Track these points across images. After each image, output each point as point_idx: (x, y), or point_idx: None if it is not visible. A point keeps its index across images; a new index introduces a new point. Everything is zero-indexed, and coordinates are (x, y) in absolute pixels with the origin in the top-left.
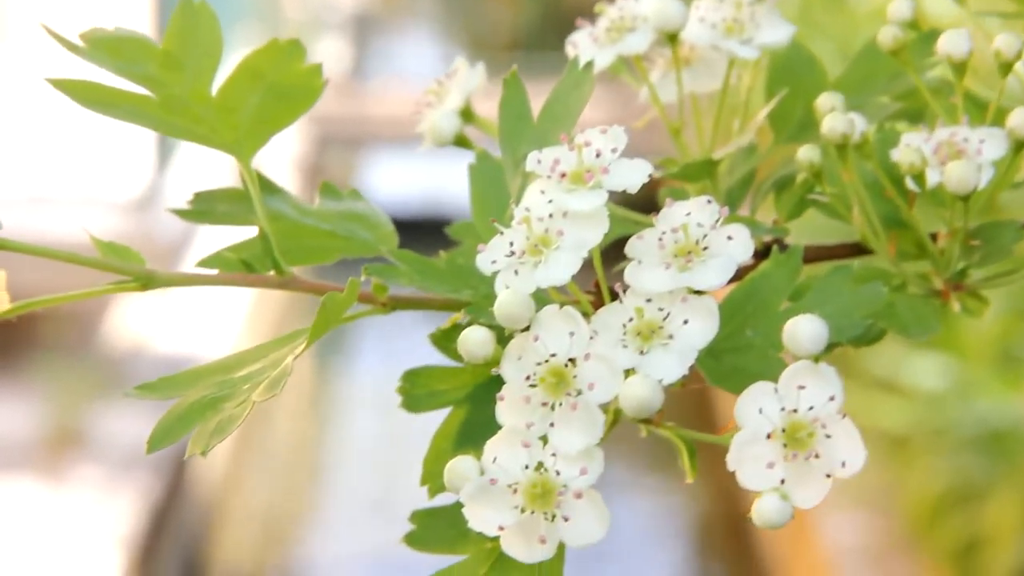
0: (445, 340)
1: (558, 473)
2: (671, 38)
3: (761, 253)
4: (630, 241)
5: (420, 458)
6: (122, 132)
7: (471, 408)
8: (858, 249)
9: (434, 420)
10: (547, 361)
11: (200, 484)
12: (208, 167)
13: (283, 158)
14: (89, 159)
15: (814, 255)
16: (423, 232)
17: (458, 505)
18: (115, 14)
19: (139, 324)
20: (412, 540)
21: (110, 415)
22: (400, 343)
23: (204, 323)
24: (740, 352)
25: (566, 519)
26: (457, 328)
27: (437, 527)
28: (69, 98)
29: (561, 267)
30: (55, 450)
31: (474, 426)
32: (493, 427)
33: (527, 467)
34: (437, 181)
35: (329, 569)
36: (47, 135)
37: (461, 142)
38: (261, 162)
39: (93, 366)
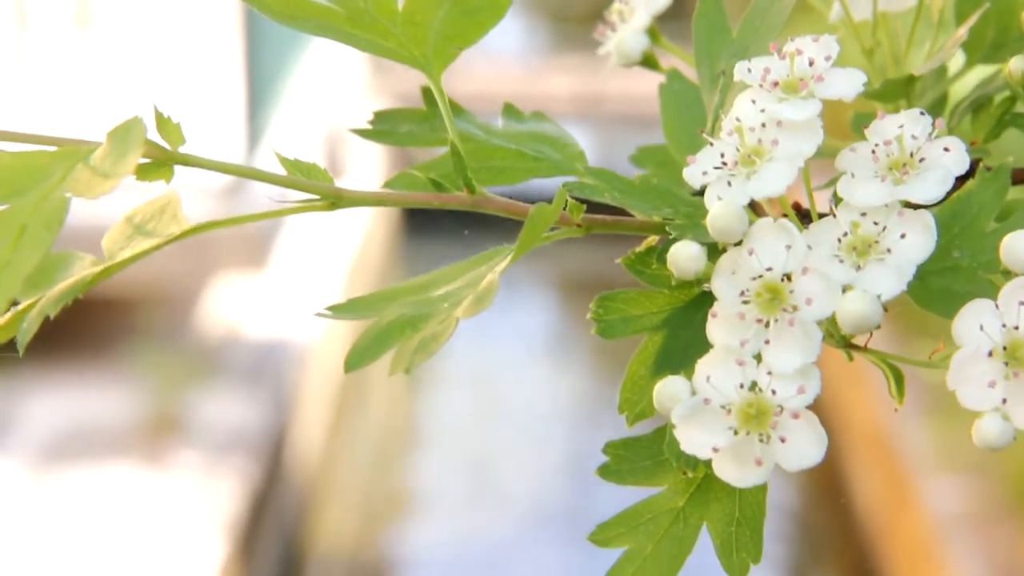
0: (639, 263)
1: (774, 392)
2: None
3: (963, 175)
4: (841, 153)
5: (514, 432)
6: (212, 116)
7: (668, 333)
8: None
9: (521, 395)
10: (762, 276)
11: (298, 467)
12: (298, 152)
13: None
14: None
15: (1018, 177)
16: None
17: (655, 434)
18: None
19: (233, 309)
20: (606, 472)
21: (208, 400)
22: (490, 317)
23: (297, 307)
24: (947, 273)
25: (782, 440)
26: (652, 251)
27: (632, 458)
28: (255, 8)
29: (777, 178)
30: (154, 436)
31: (671, 352)
32: (692, 352)
33: (741, 386)
34: None
35: (427, 547)
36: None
37: (649, 61)
38: (349, 138)
39: (189, 352)
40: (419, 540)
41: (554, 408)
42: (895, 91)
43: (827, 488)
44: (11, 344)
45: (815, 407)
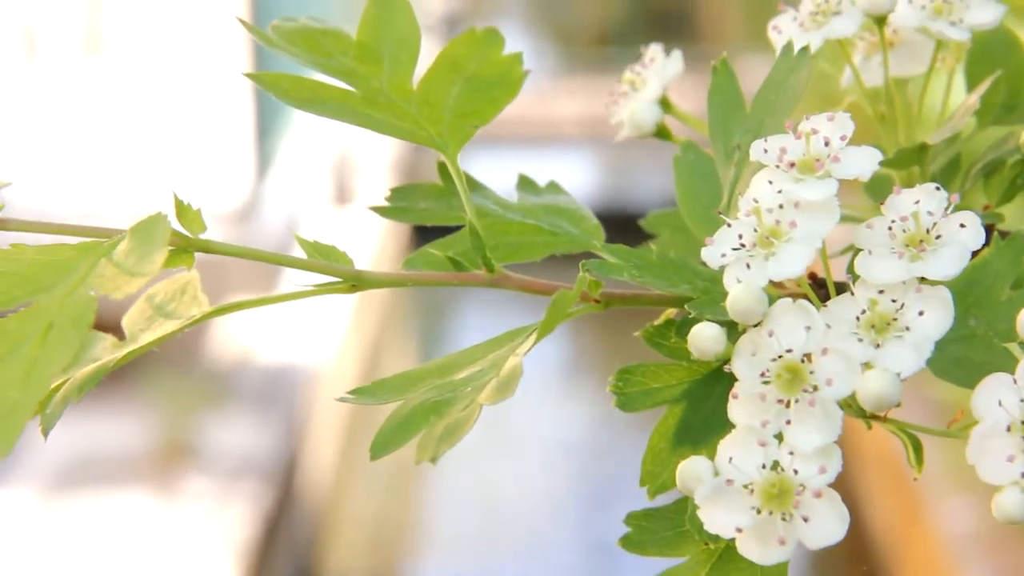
0: (658, 336)
1: (796, 472)
2: (879, 21)
3: None
4: (858, 230)
5: (525, 461)
6: (221, 143)
7: (688, 406)
8: None
9: (533, 423)
10: (782, 357)
11: (310, 492)
12: (307, 178)
13: (379, 161)
14: (190, 171)
15: None
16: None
17: (676, 505)
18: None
19: (243, 336)
20: (628, 543)
21: (219, 426)
22: None
23: (307, 333)
24: (963, 342)
25: (805, 519)
26: (670, 324)
27: (654, 529)
28: (272, 94)
29: (795, 259)
30: (166, 462)
31: (691, 424)
32: (711, 425)
33: (763, 466)
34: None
35: (438, 573)
36: (147, 148)
37: (662, 133)
38: (358, 164)
39: (200, 378)
40: (430, 565)
41: (565, 436)
42: (908, 159)
43: None
44: None
45: None
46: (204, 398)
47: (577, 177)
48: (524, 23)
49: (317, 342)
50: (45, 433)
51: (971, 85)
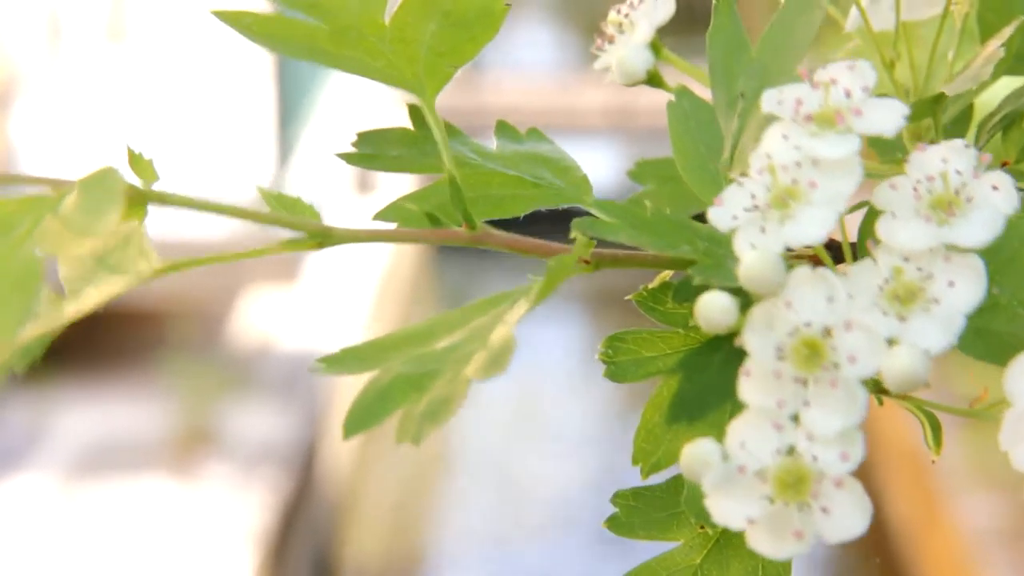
0: (652, 301)
1: (814, 458)
2: None
3: None
4: (879, 189)
5: (547, 449)
6: (243, 130)
7: (684, 377)
8: None
9: (554, 411)
10: (800, 331)
11: (329, 479)
12: (329, 166)
13: None
14: (210, 158)
15: None
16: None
17: (669, 485)
18: None
19: (264, 322)
20: (615, 525)
21: (239, 413)
22: (522, 330)
23: (329, 320)
24: (986, 312)
25: (824, 510)
26: (666, 287)
27: (644, 510)
28: (237, 31)
29: (815, 223)
30: (185, 448)
31: (687, 397)
32: (709, 398)
33: (779, 452)
34: None
35: (458, 561)
36: (169, 135)
37: (654, 79)
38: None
39: (220, 365)
40: (450, 553)
41: (586, 422)
42: (923, 111)
43: None
44: (43, 356)
45: None
46: (224, 385)
47: (601, 168)
48: (547, 13)
49: (338, 329)
50: None
51: (984, 30)
